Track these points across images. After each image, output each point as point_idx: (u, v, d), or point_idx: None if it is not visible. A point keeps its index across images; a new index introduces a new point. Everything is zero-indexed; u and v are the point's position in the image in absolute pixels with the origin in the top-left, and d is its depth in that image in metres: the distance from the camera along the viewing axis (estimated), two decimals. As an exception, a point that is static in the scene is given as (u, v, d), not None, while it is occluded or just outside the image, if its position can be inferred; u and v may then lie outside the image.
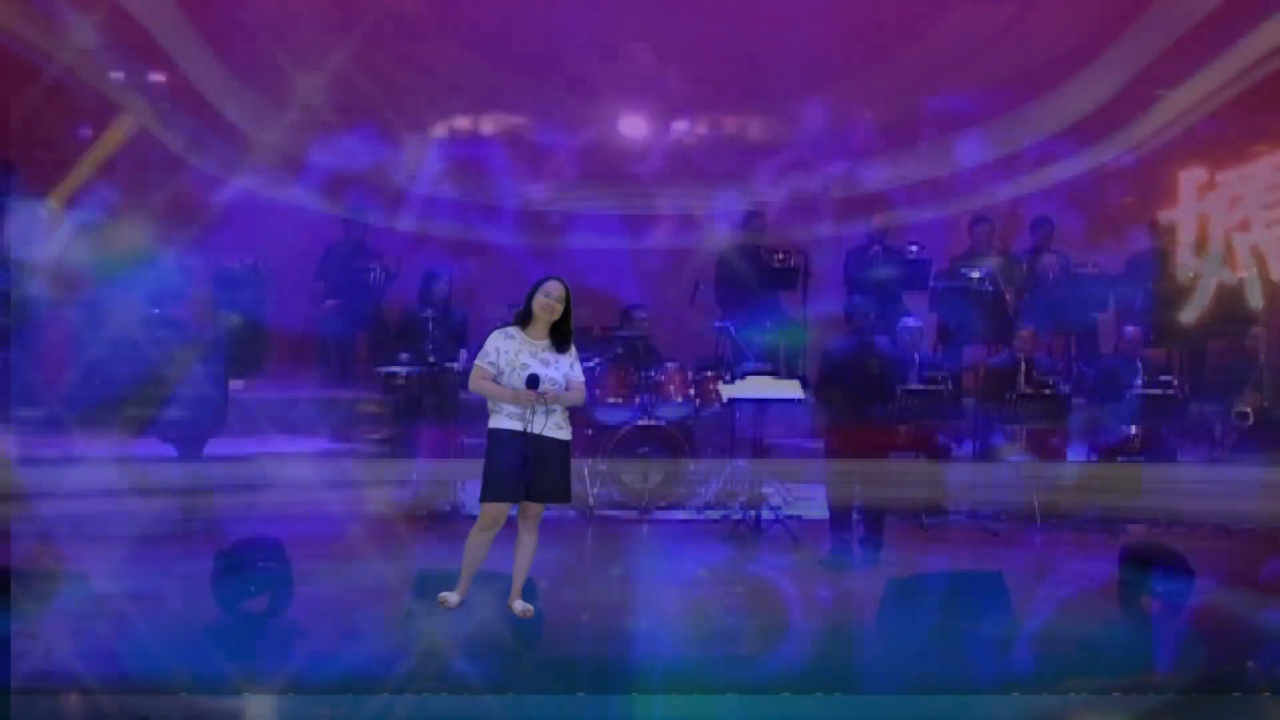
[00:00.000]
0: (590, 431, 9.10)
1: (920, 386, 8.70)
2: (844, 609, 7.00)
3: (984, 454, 9.14)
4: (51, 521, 7.49)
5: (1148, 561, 6.54)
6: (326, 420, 9.35)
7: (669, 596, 7.03)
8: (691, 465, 9.12)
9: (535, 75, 10.92)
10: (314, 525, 7.72)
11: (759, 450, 8.98)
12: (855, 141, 11.29)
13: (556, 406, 6.05)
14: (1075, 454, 9.28)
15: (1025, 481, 8.86)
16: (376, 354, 9.64)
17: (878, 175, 11.18)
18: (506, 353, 6.07)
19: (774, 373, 9.35)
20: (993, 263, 9.93)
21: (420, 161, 11.04)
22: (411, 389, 8.89)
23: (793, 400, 8.75)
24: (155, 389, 8.51)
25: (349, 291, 9.94)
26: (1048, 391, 8.94)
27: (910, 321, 9.13)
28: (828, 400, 8.40)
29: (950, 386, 8.83)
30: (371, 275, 9.90)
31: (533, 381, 5.96)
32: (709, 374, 9.38)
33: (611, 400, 9.18)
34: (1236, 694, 5.51)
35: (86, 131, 10.36)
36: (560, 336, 6.12)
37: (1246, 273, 10.15)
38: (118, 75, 10.28)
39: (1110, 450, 9.17)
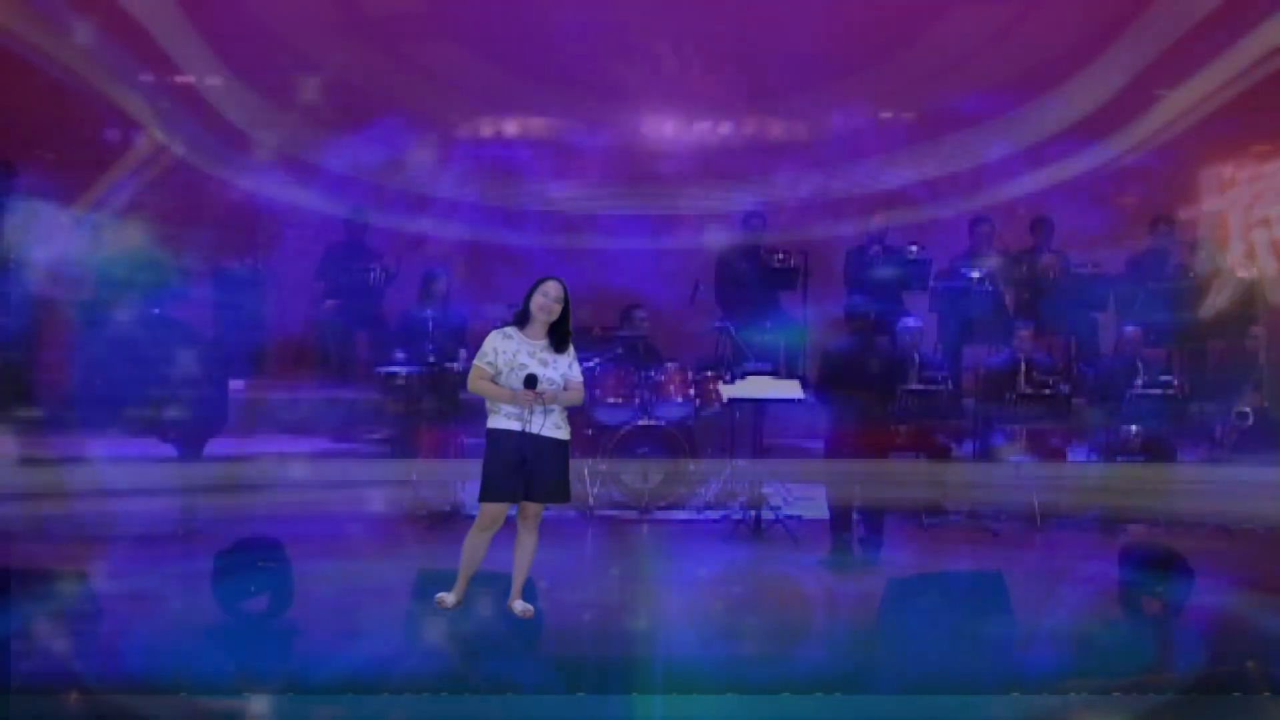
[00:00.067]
0: (590, 431, 9.10)
1: (920, 386, 8.70)
2: (844, 609, 6.99)
3: (984, 454, 9.13)
4: (51, 521, 7.50)
5: (1148, 561, 6.53)
6: (326, 420, 9.35)
7: (669, 597, 7.02)
8: (691, 465, 9.11)
9: (535, 75, 10.91)
10: (314, 525, 7.74)
11: (759, 450, 8.98)
12: (855, 141, 11.28)
13: (555, 406, 6.05)
14: (1075, 454, 9.29)
15: (1025, 481, 8.86)
16: (376, 354, 9.64)
17: (878, 175, 11.18)
18: (505, 353, 6.06)
19: (774, 373, 9.34)
20: (993, 263, 9.93)
21: (422, 161, 11.03)
22: (411, 389, 8.88)
23: (793, 400, 8.74)
24: (155, 389, 8.51)
25: (349, 291, 9.93)
26: (1048, 391, 8.93)
27: (910, 321, 9.12)
28: (828, 400, 8.40)
29: (950, 386, 8.84)
30: (371, 275, 9.90)
31: (531, 381, 5.96)
32: (709, 374, 9.36)
33: (611, 400, 9.17)
34: (1236, 694, 5.51)
35: (86, 131, 10.37)
36: (558, 336, 6.12)
37: (1250, 272, 10.13)
38: (117, 75, 10.27)
39: (1110, 450, 9.17)
